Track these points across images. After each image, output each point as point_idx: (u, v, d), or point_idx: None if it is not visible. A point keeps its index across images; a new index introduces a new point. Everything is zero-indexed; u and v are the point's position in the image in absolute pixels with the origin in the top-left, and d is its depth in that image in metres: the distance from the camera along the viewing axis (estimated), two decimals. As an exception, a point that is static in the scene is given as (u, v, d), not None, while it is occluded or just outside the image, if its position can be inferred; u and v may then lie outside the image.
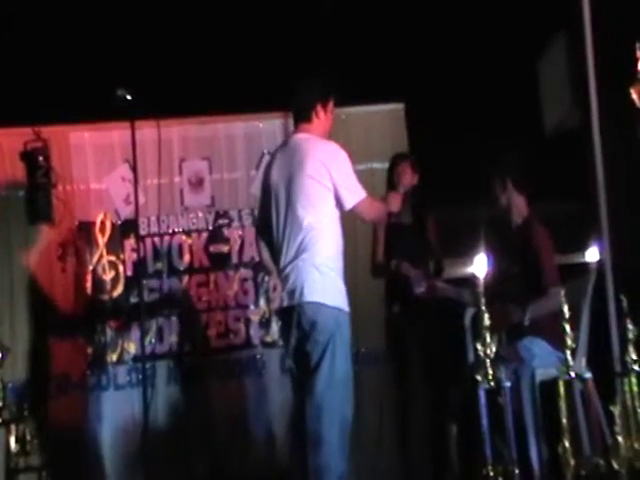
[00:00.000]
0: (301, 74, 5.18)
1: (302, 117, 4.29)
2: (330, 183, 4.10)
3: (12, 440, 4.49)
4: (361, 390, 4.72)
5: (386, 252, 5.27)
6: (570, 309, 3.85)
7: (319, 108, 4.27)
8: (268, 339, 5.69)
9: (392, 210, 4.46)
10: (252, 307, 5.73)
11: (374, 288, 5.42)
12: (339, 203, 4.13)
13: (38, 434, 4.61)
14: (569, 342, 3.83)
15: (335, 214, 4.15)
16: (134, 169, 4.90)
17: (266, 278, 5.70)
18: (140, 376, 5.30)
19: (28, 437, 4.55)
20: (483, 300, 4.16)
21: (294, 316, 4.12)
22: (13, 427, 4.49)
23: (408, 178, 5.24)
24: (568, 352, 3.83)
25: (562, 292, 3.92)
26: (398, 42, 5.74)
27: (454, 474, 4.54)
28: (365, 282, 5.43)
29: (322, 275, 4.07)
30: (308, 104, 4.28)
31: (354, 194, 4.13)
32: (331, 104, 4.31)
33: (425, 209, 5.33)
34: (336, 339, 4.06)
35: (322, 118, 4.28)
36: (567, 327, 3.84)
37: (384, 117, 5.96)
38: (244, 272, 5.75)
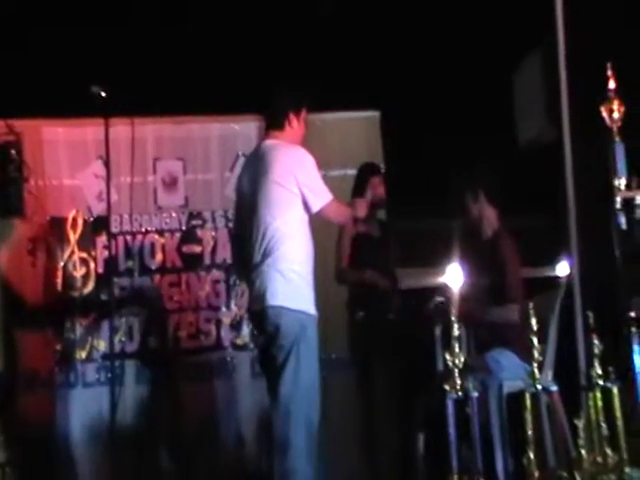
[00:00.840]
0: (277, 79, 5.24)
1: (274, 124, 4.37)
2: (296, 188, 4.16)
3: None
4: (332, 396, 4.77)
5: (352, 260, 5.32)
6: (538, 322, 3.91)
7: (292, 117, 4.33)
8: (239, 341, 5.69)
9: (358, 215, 4.51)
10: (224, 309, 5.73)
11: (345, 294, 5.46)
12: (306, 207, 4.19)
13: (4, 430, 4.56)
14: (536, 355, 3.89)
15: (302, 219, 4.21)
16: (107, 166, 4.90)
17: (238, 280, 5.72)
18: (109, 374, 5.32)
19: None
20: (453, 311, 4.22)
21: (260, 320, 4.20)
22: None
23: (380, 191, 5.35)
24: (535, 365, 3.90)
25: (530, 305, 3.99)
26: (376, 51, 5.78)
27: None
28: (337, 287, 5.46)
29: (286, 280, 4.12)
30: (281, 112, 4.35)
31: (320, 197, 4.20)
32: (304, 113, 4.37)
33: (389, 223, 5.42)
34: (300, 343, 4.10)
35: (295, 127, 4.34)
36: (534, 340, 3.90)
37: (360, 124, 5.99)
38: (216, 274, 5.75)
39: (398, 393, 5.03)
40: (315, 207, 4.19)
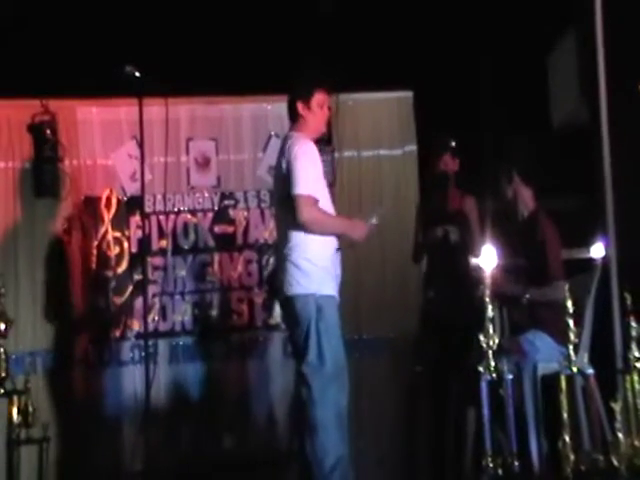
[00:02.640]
0: (309, 59, 5.23)
1: (290, 116, 4.42)
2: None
3: (14, 411, 4.50)
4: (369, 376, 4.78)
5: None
6: (574, 304, 3.89)
7: (300, 107, 4.32)
8: (271, 321, 5.71)
9: (353, 238, 4.30)
10: (256, 289, 5.75)
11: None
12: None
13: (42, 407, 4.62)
14: (572, 337, 3.88)
15: None
16: (141, 146, 4.90)
17: (271, 260, 5.74)
18: (142, 353, 5.37)
19: (30, 409, 4.57)
20: (487, 292, 4.20)
21: (283, 311, 4.37)
22: (15, 398, 4.50)
23: (452, 167, 5.34)
24: (571, 347, 3.88)
25: (566, 287, 3.97)
26: (409, 31, 5.72)
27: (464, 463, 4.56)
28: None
29: (299, 269, 4.18)
30: (290, 104, 4.38)
31: (296, 186, 4.14)
32: (317, 98, 4.32)
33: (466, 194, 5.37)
34: (319, 325, 4.14)
35: (306, 116, 4.33)
36: (570, 322, 3.88)
37: (392, 104, 5.97)
38: (248, 254, 5.77)
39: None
40: (291, 191, 4.13)
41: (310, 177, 4.18)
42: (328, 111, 4.41)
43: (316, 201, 4.17)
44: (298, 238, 4.20)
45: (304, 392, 4.12)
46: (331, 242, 4.26)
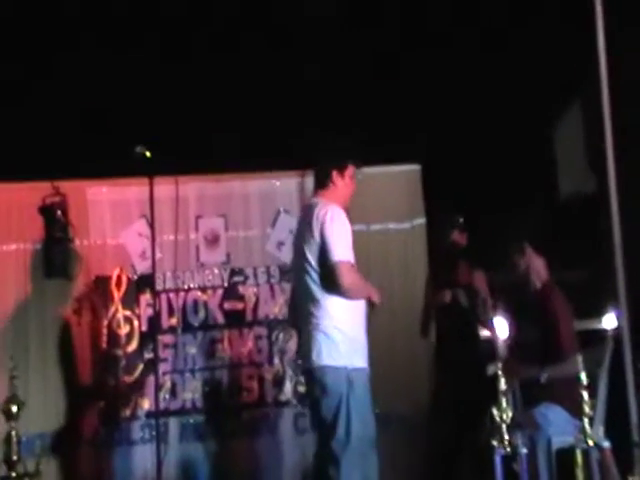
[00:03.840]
0: (317, 135, 5.28)
1: (319, 183, 4.41)
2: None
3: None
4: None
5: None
6: (587, 376, 3.85)
7: (335, 176, 4.34)
8: (282, 398, 5.67)
9: (372, 299, 4.26)
10: (266, 365, 5.72)
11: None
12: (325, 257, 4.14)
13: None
14: (587, 410, 3.83)
15: None
16: (152, 225, 4.94)
17: (280, 336, 5.72)
18: (153, 432, 5.32)
19: (42, 492, 4.53)
20: (500, 364, 4.17)
21: (308, 380, 4.26)
22: (28, 481, 4.46)
23: (462, 242, 5.37)
24: (586, 420, 3.82)
25: (579, 359, 3.93)
26: (417, 106, 5.80)
27: None
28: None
29: (329, 338, 4.12)
30: (324, 172, 4.38)
31: (337, 253, 4.12)
32: (350, 170, 4.36)
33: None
34: (350, 400, 4.07)
35: (339, 185, 4.35)
36: (585, 395, 3.84)
37: (400, 178, 6.01)
38: (258, 330, 5.75)
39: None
40: (331, 257, 4.11)
41: (345, 243, 4.17)
42: (355, 186, 4.41)
43: (353, 266, 4.17)
44: (328, 306, 4.14)
45: (331, 469, 4.03)
46: (360, 310, 4.21)
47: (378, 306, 4.28)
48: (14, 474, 4.47)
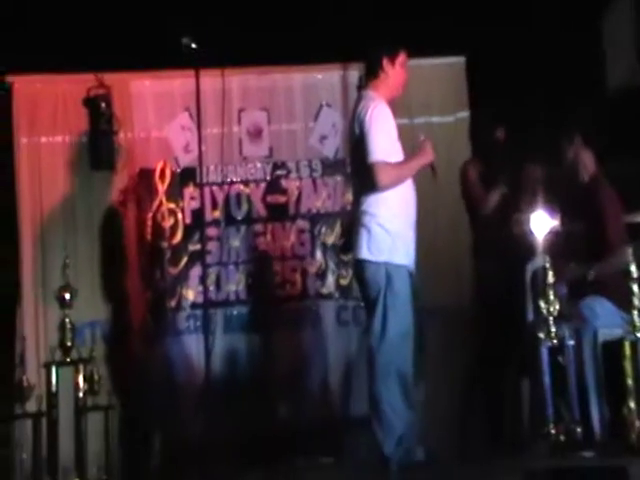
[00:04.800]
0: (360, 27, 5.19)
1: (369, 72, 4.39)
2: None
3: (80, 379, 4.59)
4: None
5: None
6: (638, 268, 3.85)
7: (385, 62, 4.31)
8: (324, 291, 5.72)
9: (427, 163, 4.35)
10: (308, 258, 5.76)
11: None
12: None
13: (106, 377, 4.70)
14: (636, 302, 3.84)
15: None
16: (198, 117, 4.92)
17: (323, 229, 5.75)
18: (198, 323, 5.43)
19: (96, 377, 4.66)
20: (547, 257, 4.18)
21: (354, 272, 4.46)
22: (81, 367, 4.59)
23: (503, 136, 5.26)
24: (635, 312, 3.84)
25: (630, 251, 3.93)
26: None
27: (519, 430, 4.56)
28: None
29: (370, 233, 4.19)
30: (375, 60, 4.35)
31: (371, 154, 4.18)
32: (401, 57, 4.33)
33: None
34: (387, 294, 4.15)
35: (390, 73, 4.32)
36: (635, 287, 3.85)
37: (444, 70, 5.92)
38: (301, 223, 5.77)
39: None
40: (368, 158, 4.18)
41: (383, 141, 4.18)
42: (407, 75, 4.39)
43: (388, 164, 4.19)
44: (372, 202, 4.20)
45: (368, 366, 4.16)
46: (407, 206, 4.25)
47: (436, 170, 4.38)
48: (69, 359, 4.60)
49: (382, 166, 4.16)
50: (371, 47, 4.38)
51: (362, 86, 5.42)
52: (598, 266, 4.35)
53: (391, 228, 4.18)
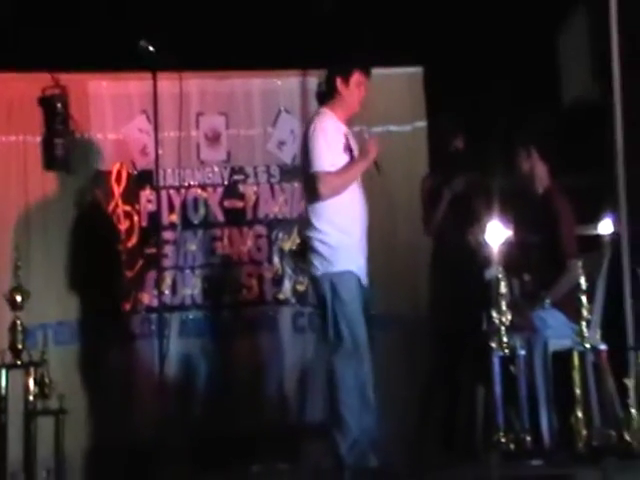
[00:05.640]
0: (320, 34, 5.21)
1: (327, 94, 4.50)
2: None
3: (31, 382, 4.54)
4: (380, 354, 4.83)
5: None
6: (586, 281, 3.92)
7: (339, 83, 4.41)
8: (281, 296, 5.73)
9: (372, 162, 4.41)
10: (265, 264, 5.76)
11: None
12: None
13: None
14: (585, 314, 3.91)
15: None
16: (155, 120, 4.90)
17: (280, 235, 5.75)
18: (153, 327, 5.40)
19: (47, 380, 4.60)
20: (500, 269, 4.23)
21: None
22: (32, 370, 4.54)
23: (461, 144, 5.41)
24: (583, 324, 3.91)
25: (580, 264, 4.00)
26: (420, 6, 5.70)
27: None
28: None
29: (313, 249, 4.32)
30: (328, 80, 4.48)
31: (312, 165, 4.29)
32: (355, 76, 4.42)
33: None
34: (334, 304, 4.24)
35: (344, 93, 4.42)
36: (583, 299, 3.92)
37: (402, 80, 5.95)
38: (258, 228, 5.77)
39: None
40: (309, 169, 4.30)
41: (325, 153, 4.25)
42: (364, 92, 4.47)
43: (329, 173, 4.24)
44: (314, 214, 4.33)
45: (327, 372, 4.25)
46: (350, 216, 4.31)
47: (380, 166, 4.44)
48: (19, 362, 4.55)
49: (323, 175, 4.25)
50: (327, 67, 4.47)
51: (321, 92, 5.48)
52: (553, 291, 4.42)
53: (331, 241, 4.28)
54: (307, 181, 4.35)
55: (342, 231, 4.29)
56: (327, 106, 4.43)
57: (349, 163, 4.38)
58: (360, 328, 4.23)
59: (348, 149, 4.39)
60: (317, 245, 4.29)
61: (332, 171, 4.27)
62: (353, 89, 4.40)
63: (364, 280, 4.36)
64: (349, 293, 4.24)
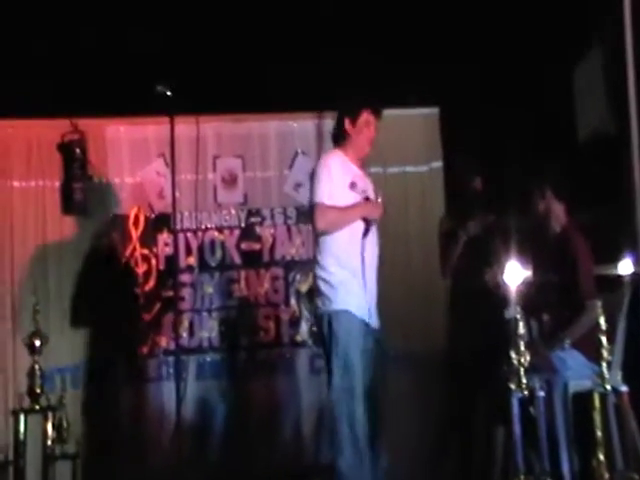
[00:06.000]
0: (337, 77, 5.25)
1: (335, 134, 4.50)
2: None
3: (49, 427, 4.53)
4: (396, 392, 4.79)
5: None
6: (606, 321, 3.88)
7: (347, 124, 4.41)
8: (298, 338, 5.72)
9: (369, 217, 4.32)
10: (282, 306, 5.76)
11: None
12: None
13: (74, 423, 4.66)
14: (605, 354, 3.86)
15: None
16: (172, 164, 4.94)
17: (297, 277, 5.75)
18: (171, 370, 5.39)
19: (64, 424, 4.60)
20: (518, 309, 4.19)
21: None
22: (50, 414, 4.53)
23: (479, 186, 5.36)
24: (604, 364, 3.86)
25: (599, 304, 3.95)
26: (436, 48, 5.74)
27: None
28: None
29: (318, 290, 4.31)
30: (337, 122, 4.47)
31: (312, 197, 4.29)
32: (363, 116, 4.39)
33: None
34: (331, 343, 4.21)
35: (352, 133, 4.40)
36: (603, 339, 3.86)
37: (418, 121, 5.98)
38: (275, 270, 5.78)
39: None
40: (309, 202, 4.33)
41: (327, 186, 4.25)
42: (374, 132, 4.44)
43: (328, 206, 4.24)
44: (317, 254, 4.34)
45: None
46: (355, 253, 4.25)
47: (376, 220, 4.33)
48: (38, 406, 4.55)
49: (320, 208, 4.24)
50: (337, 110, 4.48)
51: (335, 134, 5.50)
52: (572, 331, 4.38)
53: (333, 279, 4.25)
54: (309, 214, 4.37)
55: (344, 268, 4.24)
56: (338, 147, 4.45)
57: (353, 205, 4.33)
58: (354, 369, 4.17)
59: (356, 188, 4.35)
60: (320, 283, 4.28)
61: (332, 206, 4.24)
62: (361, 129, 4.38)
63: (371, 320, 4.29)
64: (346, 333, 4.19)
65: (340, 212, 4.28)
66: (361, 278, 4.26)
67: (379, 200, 4.40)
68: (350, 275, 4.25)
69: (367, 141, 4.43)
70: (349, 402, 4.14)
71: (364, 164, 4.66)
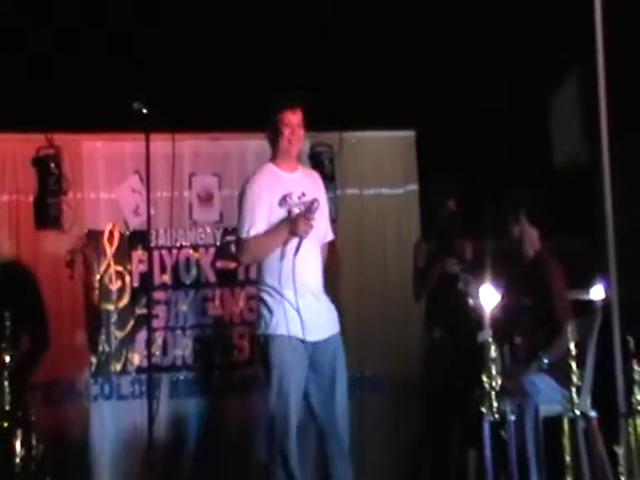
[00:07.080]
0: (312, 96, 5.25)
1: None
2: None
3: (17, 445, 4.48)
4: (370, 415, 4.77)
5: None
6: (576, 346, 3.90)
7: (266, 135, 4.34)
8: (272, 358, 5.70)
9: (296, 234, 4.09)
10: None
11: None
12: None
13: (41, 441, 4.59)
14: (575, 379, 3.88)
15: None
16: (147, 181, 4.92)
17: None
18: (143, 388, 5.36)
19: (34, 443, 4.54)
20: (490, 332, 4.21)
21: None
22: (19, 432, 4.47)
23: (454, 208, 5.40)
24: (573, 390, 3.88)
25: (570, 329, 3.98)
26: (413, 71, 5.78)
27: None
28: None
29: (257, 308, 4.26)
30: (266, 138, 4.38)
31: (237, 231, 4.24)
32: (280, 118, 4.25)
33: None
34: (262, 366, 4.20)
35: (271, 140, 4.31)
36: (573, 364, 3.88)
37: (395, 143, 6.03)
38: (250, 289, 5.75)
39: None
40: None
41: (244, 218, 4.18)
42: (297, 129, 4.25)
43: (248, 239, 4.15)
44: (258, 270, 4.26)
45: None
46: (295, 273, 4.08)
47: (307, 233, 4.08)
48: (6, 424, 4.49)
49: (242, 243, 4.18)
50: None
51: (313, 154, 5.52)
52: (551, 350, 4.40)
53: (270, 300, 4.14)
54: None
55: (276, 288, 4.12)
56: (270, 160, 4.32)
57: (274, 228, 4.15)
58: (289, 392, 4.07)
59: (288, 202, 4.18)
60: (259, 304, 4.20)
61: (252, 237, 4.13)
62: (281, 131, 4.22)
63: (309, 336, 4.11)
64: (273, 357, 4.10)
65: (262, 241, 4.13)
66: (295, 302, 4.10)
67: (316, 202, 4.12)
68: (293, 295, 4.10)
69: (290, 140, 4.24)
70: (281, 436, 4.07)
71: (301, 161, 4.55)
